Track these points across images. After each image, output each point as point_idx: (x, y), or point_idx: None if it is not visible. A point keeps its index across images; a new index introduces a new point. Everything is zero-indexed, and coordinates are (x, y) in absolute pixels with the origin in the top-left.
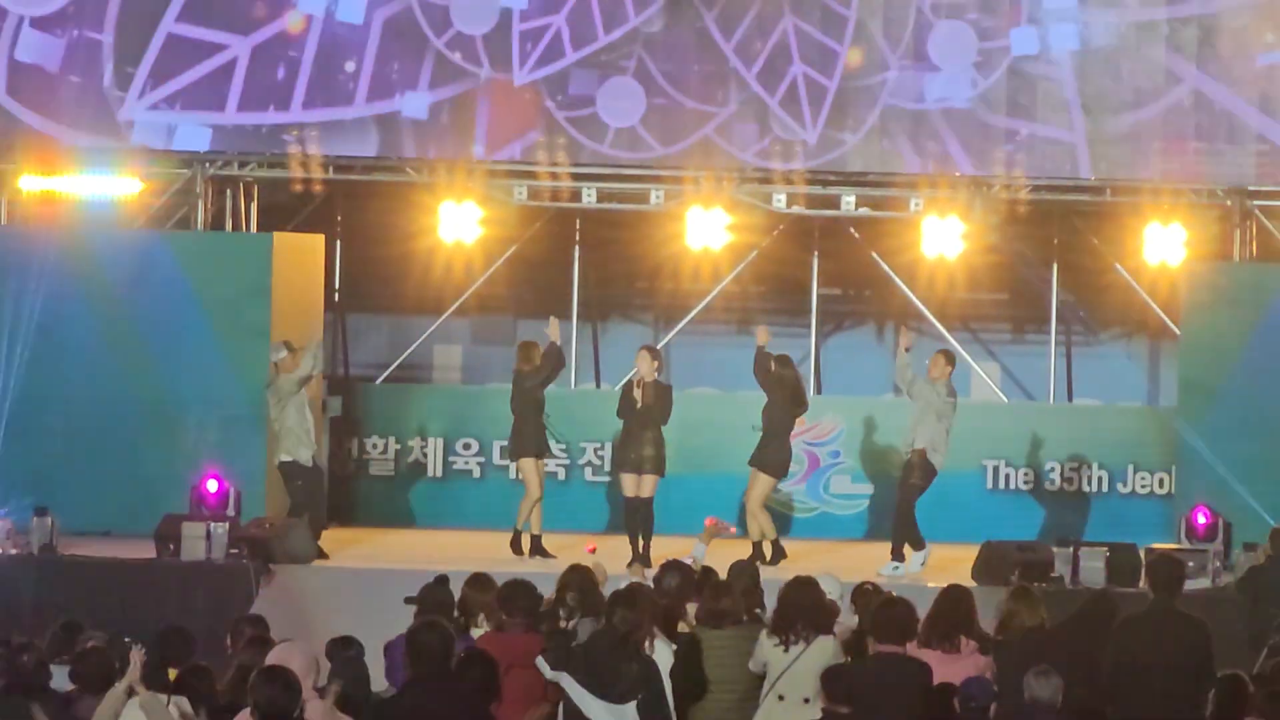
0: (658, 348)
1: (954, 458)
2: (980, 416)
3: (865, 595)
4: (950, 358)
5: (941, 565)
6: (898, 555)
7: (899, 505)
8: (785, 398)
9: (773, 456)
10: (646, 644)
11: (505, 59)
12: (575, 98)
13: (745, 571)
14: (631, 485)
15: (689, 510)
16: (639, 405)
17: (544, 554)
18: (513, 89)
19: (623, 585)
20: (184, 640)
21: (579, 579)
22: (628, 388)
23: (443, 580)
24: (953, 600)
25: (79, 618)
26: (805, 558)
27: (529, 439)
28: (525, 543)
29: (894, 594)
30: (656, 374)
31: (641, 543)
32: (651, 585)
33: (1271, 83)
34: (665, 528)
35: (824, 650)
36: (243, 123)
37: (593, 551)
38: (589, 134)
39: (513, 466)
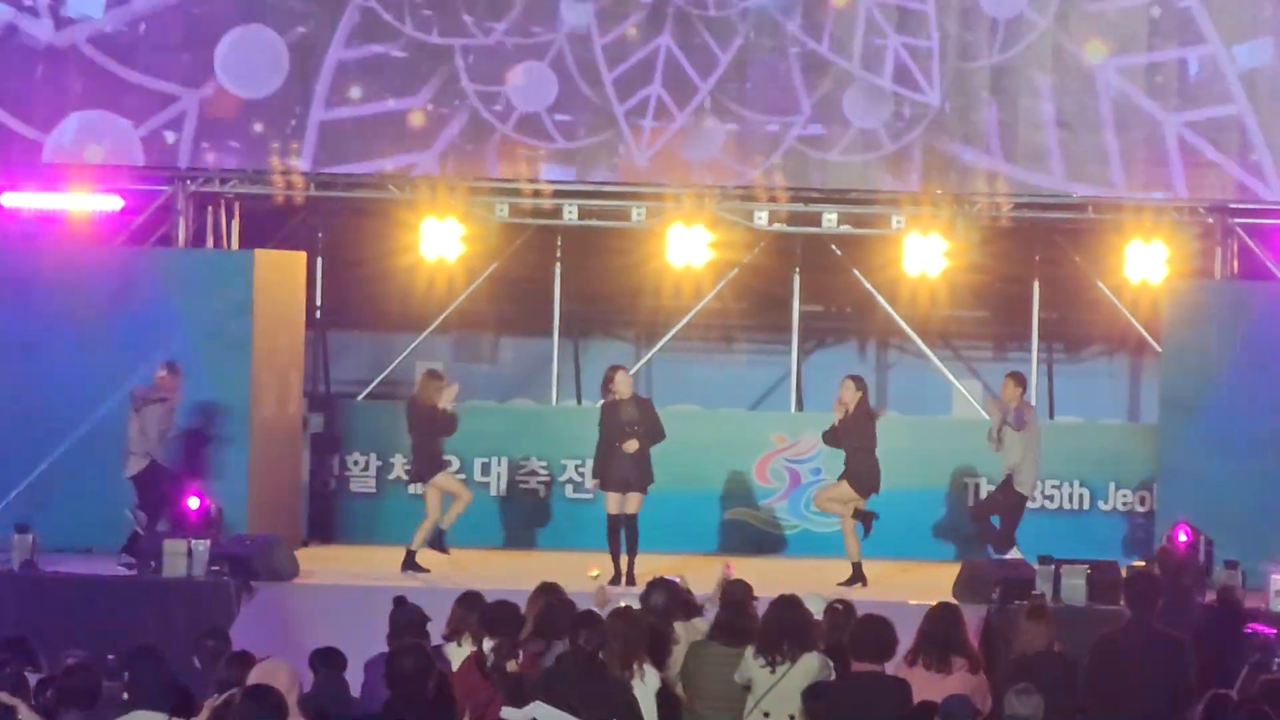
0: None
1: (936, 476)
2: (962, 434)
3: (835, 614)
4: (1018, 379)
5: (922, 583)
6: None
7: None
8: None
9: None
10: (635, 668)
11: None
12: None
13: (739, 588)
14: (615, 503)
15: (671, 527)
16: (623, 422)
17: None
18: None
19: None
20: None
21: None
22: (613, 406)
23: (400, 601)
24: (942, 619)
25: (58, 635)
26: (788, 575)
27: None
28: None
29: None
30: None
31: (626, 560)
32: (633, 603)
33: (1253, 99)
34: (647, 545)
35: (809, 668)
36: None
37: (595, 576)
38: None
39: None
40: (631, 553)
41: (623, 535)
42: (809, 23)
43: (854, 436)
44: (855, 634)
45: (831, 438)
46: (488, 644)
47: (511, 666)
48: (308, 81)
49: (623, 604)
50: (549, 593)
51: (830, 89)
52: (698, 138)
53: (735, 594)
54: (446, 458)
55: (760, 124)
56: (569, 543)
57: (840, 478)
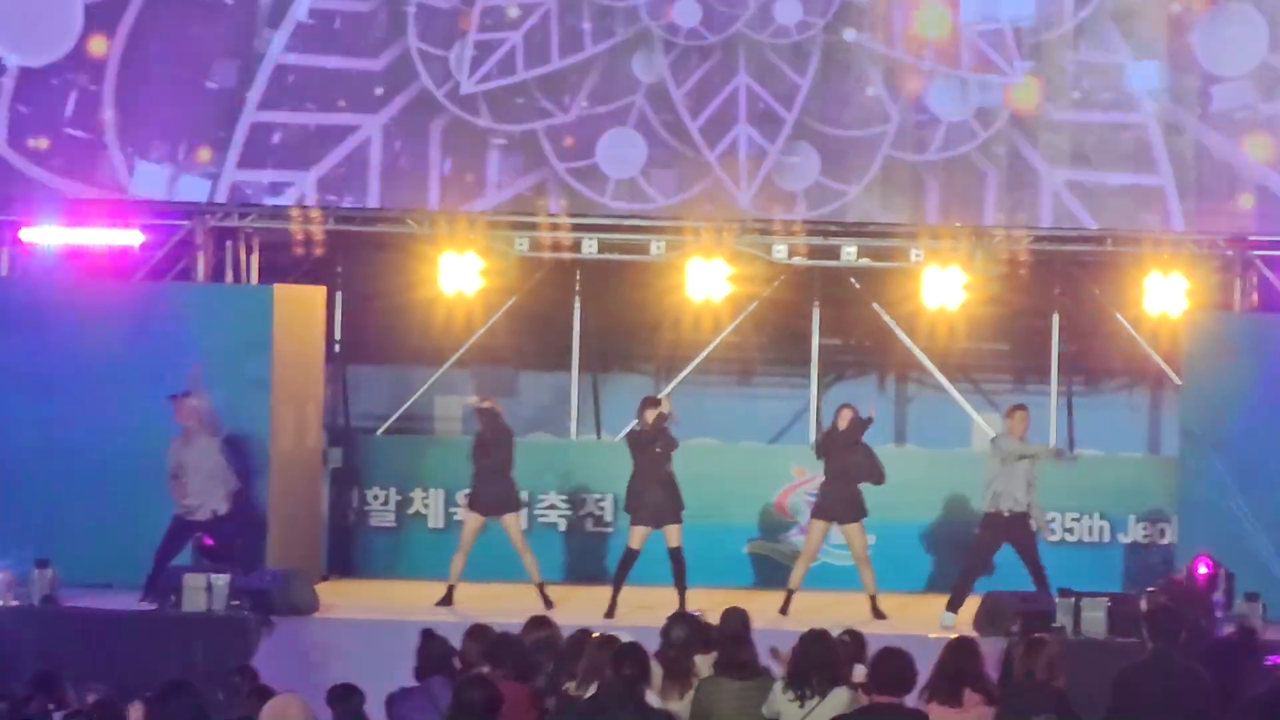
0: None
1: (956, 508)
2: (981, 467)
3: (845, 645)
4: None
5: (938, 617)
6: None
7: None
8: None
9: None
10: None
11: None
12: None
13: (736, 618)
14: (640, 538)
15: (691, 560)
16: (656, 455)
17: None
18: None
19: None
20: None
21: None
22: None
23: (429, 634)
24: (957, 652)
25: (79, 670)
26: (807, 609)
27: None
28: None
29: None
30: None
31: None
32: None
33: (1271, 133)
34: (666, 578)
35: (838, 702)
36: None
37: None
38: (590, 185)
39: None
40: (682, 585)
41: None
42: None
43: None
44: (876, 667)
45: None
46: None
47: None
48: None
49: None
50: (542, 626)
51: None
52: (794, 166)
53: (733, 626)
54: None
55: (855, 140)
56: (589, 577)
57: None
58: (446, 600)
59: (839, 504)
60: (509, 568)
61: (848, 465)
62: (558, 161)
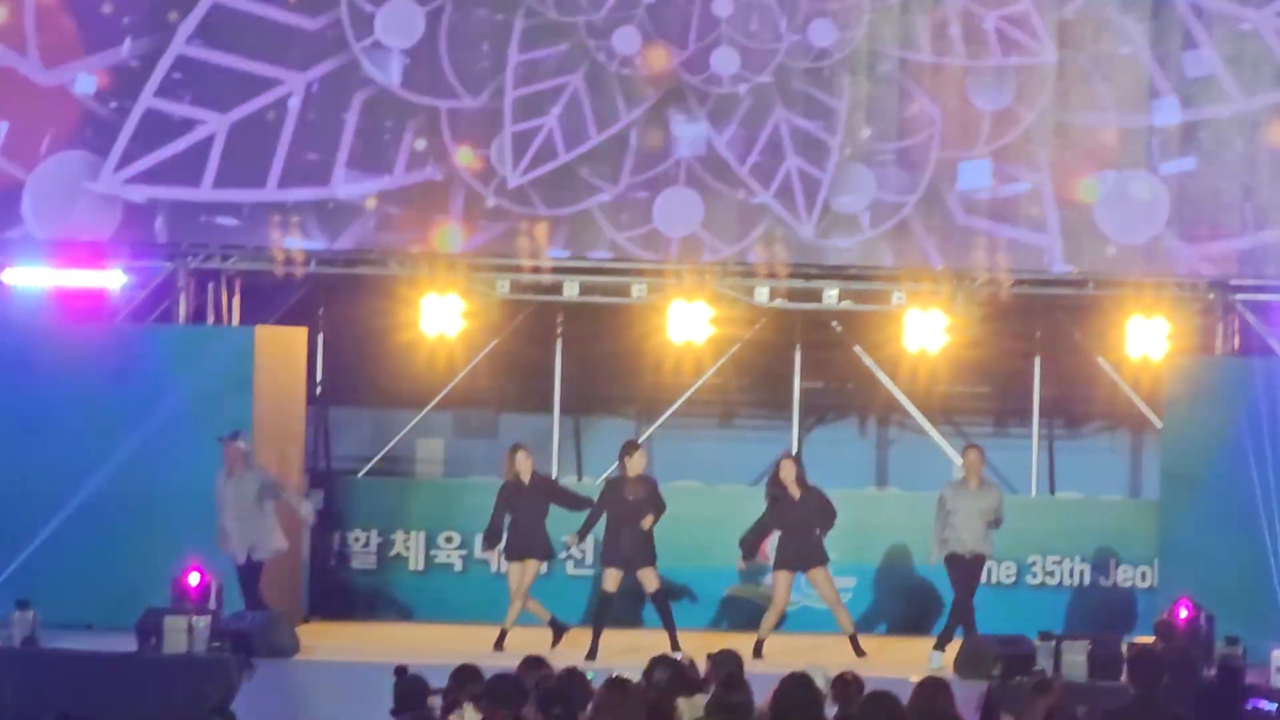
0: (638, 442)
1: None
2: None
3: (845, 685)
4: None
5: (924, 660)
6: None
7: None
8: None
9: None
10: None
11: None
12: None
13: (729, 660)
14: (613, 581)
15: (672, 603)
16: (629, 500)
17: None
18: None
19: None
20: None
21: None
22: (617, 484)
23: (401, 671)
24: (930, 693)
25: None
26: (788, 651)
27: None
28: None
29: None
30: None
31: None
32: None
33: (1254, 175)
34: (649, 620)
35: None
36: (218, 200)
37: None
38: (652, 249)
39: (496, 561)
40: (670, 625)
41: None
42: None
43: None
44: (864, 710)
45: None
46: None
47: None
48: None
49: (618, 675)
50: (539, 666)
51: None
52: (851, 189)
53: (727, 668)
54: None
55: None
56: (569, 618)
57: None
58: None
59: (799, 552)
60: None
61: (803, 513)
62: (616, 232)
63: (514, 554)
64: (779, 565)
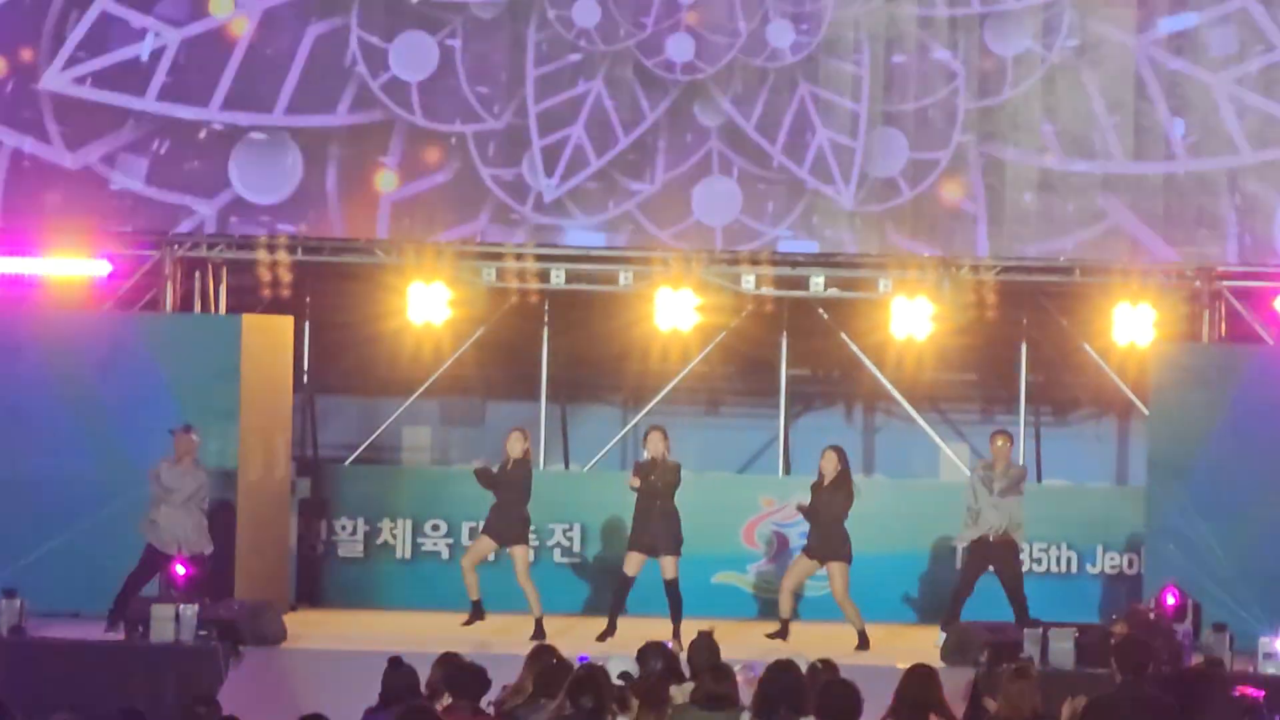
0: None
1: (924, 539)
2: (949, 497)
3: (816, 673)
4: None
5: (912, 647)
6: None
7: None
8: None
9: (846, 545)
10: None
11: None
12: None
13: (706, 647)
14: (634, 565)
15: (659, 591)
16: (657, 485)
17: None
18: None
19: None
20: None
21: (542, 662)
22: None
23: (396, 662)
24: (918, 680)
25: (47, 700)
26: (777, 640)
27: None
28: None
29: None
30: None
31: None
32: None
33: (1240, 163)
34: (637, 607)
35: None
36: (160, 112)
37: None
38: (697, 241)
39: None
40: (676, 617)
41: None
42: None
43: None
44: (821, 698)
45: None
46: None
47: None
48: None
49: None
50: (547, 654)
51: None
52: (884, 155)
53: (703, 656)
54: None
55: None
56: (557, 607)
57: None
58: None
59: (828, 544)
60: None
61: (835, 507)
62: (659, 230)
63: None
64: (808, 554)
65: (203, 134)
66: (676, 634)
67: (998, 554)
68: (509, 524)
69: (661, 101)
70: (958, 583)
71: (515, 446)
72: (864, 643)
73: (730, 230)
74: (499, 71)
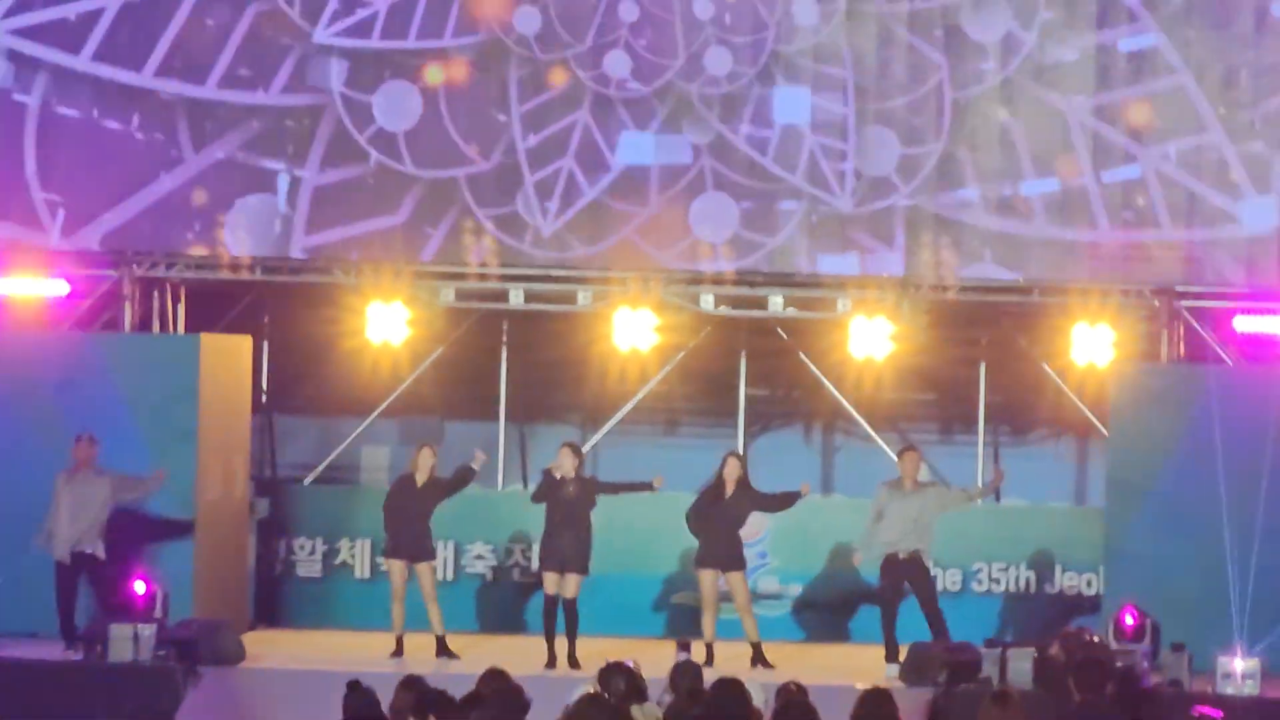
0: (581, 446)
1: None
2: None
3: (788, 693)
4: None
5: (870, 666)
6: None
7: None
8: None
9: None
10: None
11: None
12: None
13: (688, 673)
14: (553, 583)
15: (617, 610)
16: (566, 501)
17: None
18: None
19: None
20: None
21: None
22: (552, 482)
23: (354, 685)
24: (874, 703)
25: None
26: (736, 659)
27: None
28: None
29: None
30: (577, 471)
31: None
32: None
33: (1199, 184)
34: (593, 628)
35: None
36: (95, 73)
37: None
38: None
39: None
40: (571, 636)
41: (561, 618)
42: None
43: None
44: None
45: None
46: None
47: None
48: None
49: (588, 689)
50: (497, 678)
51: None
52: (873, 153)
53: (687, 680)
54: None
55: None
56: (516, 628)
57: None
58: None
59: (722, 553)
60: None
61: (732, 516)
62: (658, 252)
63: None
64: (701, 564)
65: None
66: (572, 654)
67: (911, 572)
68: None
69: (649, 125)
70: (882, 615)
71: (424, 465)
72: (760, 656)
73: (733, 244)
74: (485, 111)
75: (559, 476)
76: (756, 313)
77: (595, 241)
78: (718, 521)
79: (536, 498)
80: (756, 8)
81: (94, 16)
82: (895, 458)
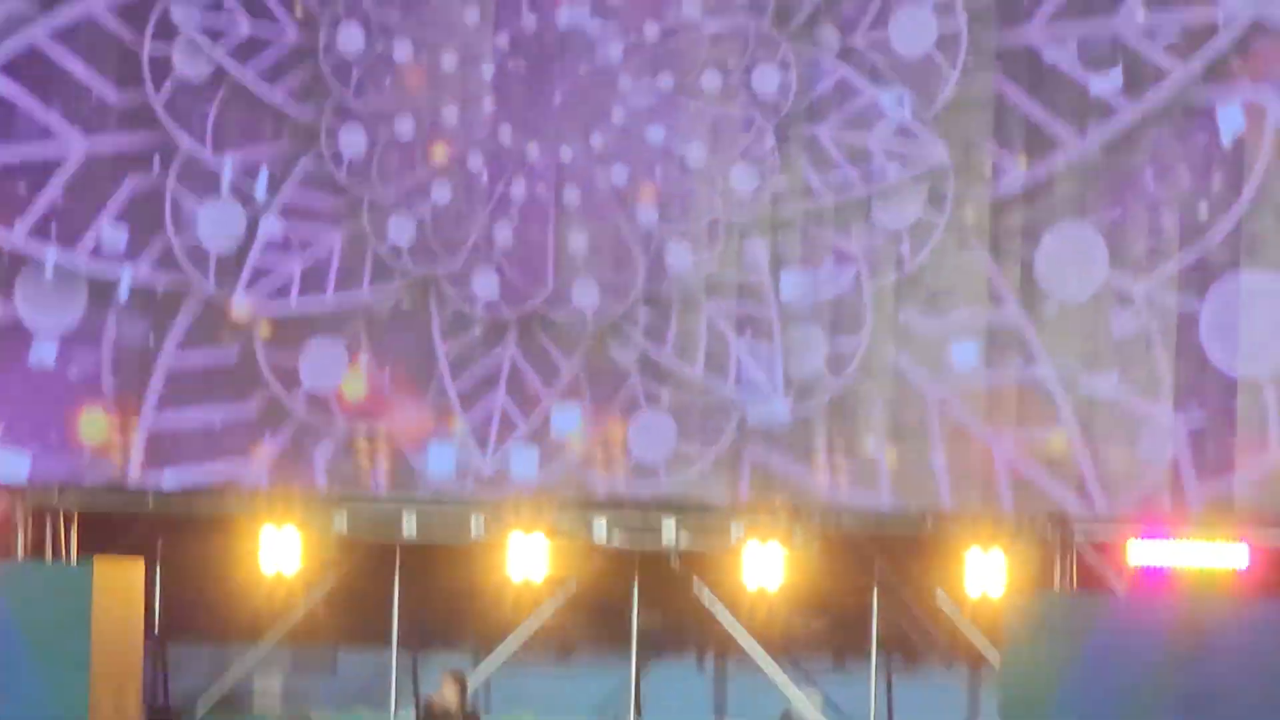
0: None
1: None
2: None
3: None
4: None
5: None
6: None
7: None
8: None
9: None
10: None
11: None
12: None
13: None
14: None
15: None
16: None
17: None
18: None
19: None
20: None
21: None
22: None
23: None
24: None
25: None
26: None
27: None
28: None
29: None
30: (459, 703)
31: None
32: None
33: (1091, 413)
34: None
35: None
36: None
37: None
38: (643, 482)
39: None
40: None
41: None
42: None
43: None
44: None
45: None
46: None
47: None
48: None
49: None
50: None
51: None
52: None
53: None
54: None
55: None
56: None
57: None
58: None
59: None
60: None
61: None
62: (604, 472)
63: None
64: None
65: None
66: None
67: None
68: None
69: (574, 350)
70: None
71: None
72: None
73: (674, 461)
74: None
75: (439, 711)
76: (648, 548)
77: (537, 473)
78: None
79: None
80: None
81: None
82: (795, 688)
